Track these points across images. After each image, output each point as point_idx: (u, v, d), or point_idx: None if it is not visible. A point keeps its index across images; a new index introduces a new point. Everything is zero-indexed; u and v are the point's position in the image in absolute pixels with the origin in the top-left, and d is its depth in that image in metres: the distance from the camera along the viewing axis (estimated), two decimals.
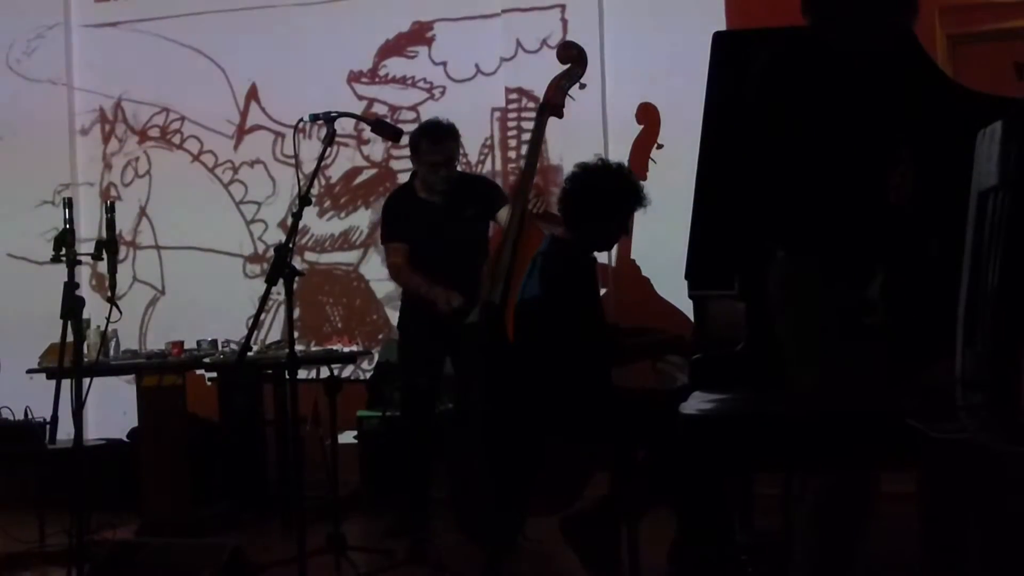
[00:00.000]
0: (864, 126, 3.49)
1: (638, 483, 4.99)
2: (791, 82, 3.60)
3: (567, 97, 5.97)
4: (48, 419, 6.06)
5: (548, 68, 7.57)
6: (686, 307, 6.91)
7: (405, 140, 6.11)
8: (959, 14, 7.11)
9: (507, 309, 5.56)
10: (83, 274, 7.77)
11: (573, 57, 5.99)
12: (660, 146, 7.30)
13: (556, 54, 6.08)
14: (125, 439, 7.54)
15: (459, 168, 6.51)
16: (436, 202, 6.26)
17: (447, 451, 5.75)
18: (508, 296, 5.59)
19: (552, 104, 5.94)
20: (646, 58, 7.50)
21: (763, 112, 3.62)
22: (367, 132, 7.59)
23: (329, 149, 5.43)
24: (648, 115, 7.34)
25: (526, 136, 7.68)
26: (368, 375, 7.71)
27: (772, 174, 3.61)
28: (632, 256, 7.22)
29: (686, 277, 4.86)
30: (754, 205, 3.70)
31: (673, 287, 7.18)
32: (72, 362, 5.73)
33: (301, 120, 5.40)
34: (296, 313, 6.11)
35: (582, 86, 6.01)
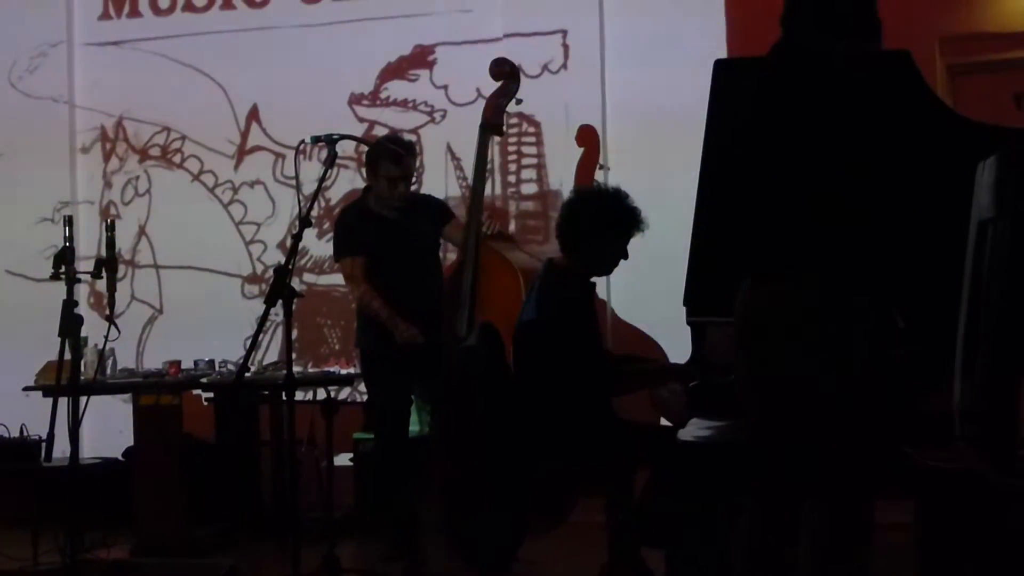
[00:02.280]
0: (852, 147, 3.52)
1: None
2: (784, 103, 3.63)
3: (505, 114, 5.94)
4: (44, 437, 6.08)
5: (550, 93, 7.67)
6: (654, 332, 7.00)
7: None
8: (959, 44, 7.14)
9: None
10: (81, 292, 7.75)
11: (506, 73, 5.95)
12: (602, 167, 7.39)
13: (488, 71, 6.01)
14: (121, 458, 7.52)
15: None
16: (391, 217, 6.26)
17: (443, 474, 5.73)
18: (474, 320, 5.62)
19: (492, 123, 5.90)
20: (647, 83, 7.52)
21: (758, 134, 3.65)
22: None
23: (330, 171, 5.44)
24: (587, 137, 7.44)
25: (526, 161, 7.72)
26: (365, 397, 7.70)
27: (769, 197, 3.63)
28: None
29: (684, 303, 4.86)
30: (752, 231, 3.71)
31: (638, 311, 7.23)
32: (69, 380, 5.73)
33: (302, 141, 5.42)
34: (294, 334, 6.11)
35: (518, 102, 5.97)
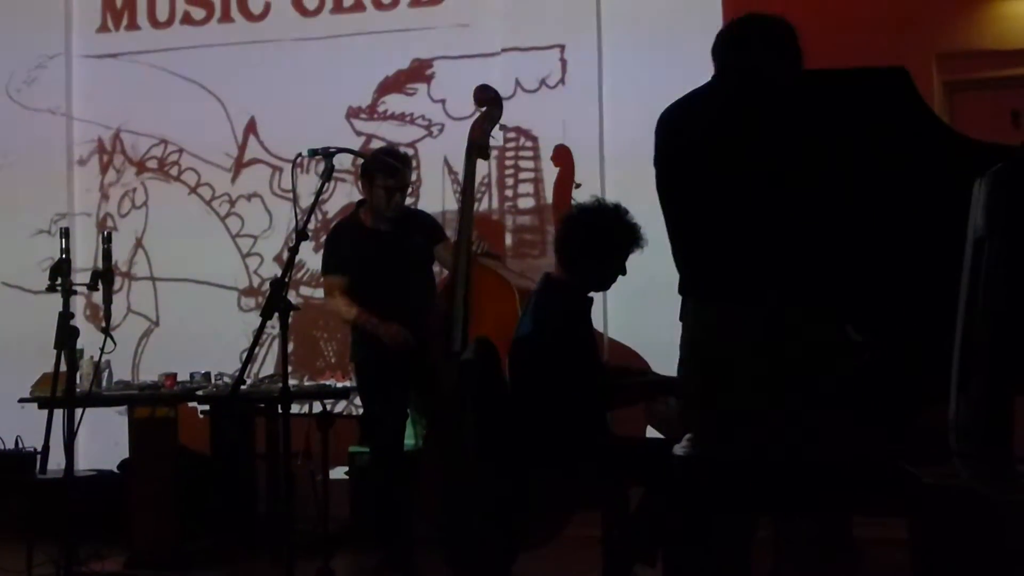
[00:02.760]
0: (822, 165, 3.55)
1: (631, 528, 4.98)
2: (774, 124, 3.65)
3: (491, 138, 6.11)
4: (39, 449, 6.06)
5: (547, 107, 7.68)
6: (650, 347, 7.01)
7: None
8: (956, 61, 7.15)
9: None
10: (78, 304, 7.76)
11: (489, 100, 6.13)
12: (578, 185, 7.43)
13: (473, 97, 6.18)
14: (116, 470, 7.52)
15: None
16: (385, 230, 6.28)
17: (438, 488, 5.73)
18: (467, 338, 5.65)
19: (478, 146, 6.05)
20: (645, 97, 7.51)
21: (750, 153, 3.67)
22: None
23: (327, 184, 5.44)
24: (562, 157, 7.58)
25: (523, 175, 7.73)
26: (360, 411, 7.69)
27: (761, 217, 3.64)
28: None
29: (680, 319, 4.85)
30: (746, 251, 3.72)
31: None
32: (65, 392, 5.72)
33: (299, 154, 5.42)
34: (290, 347, 6.11)
35: (502, 127, 6.25)
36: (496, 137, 6.23)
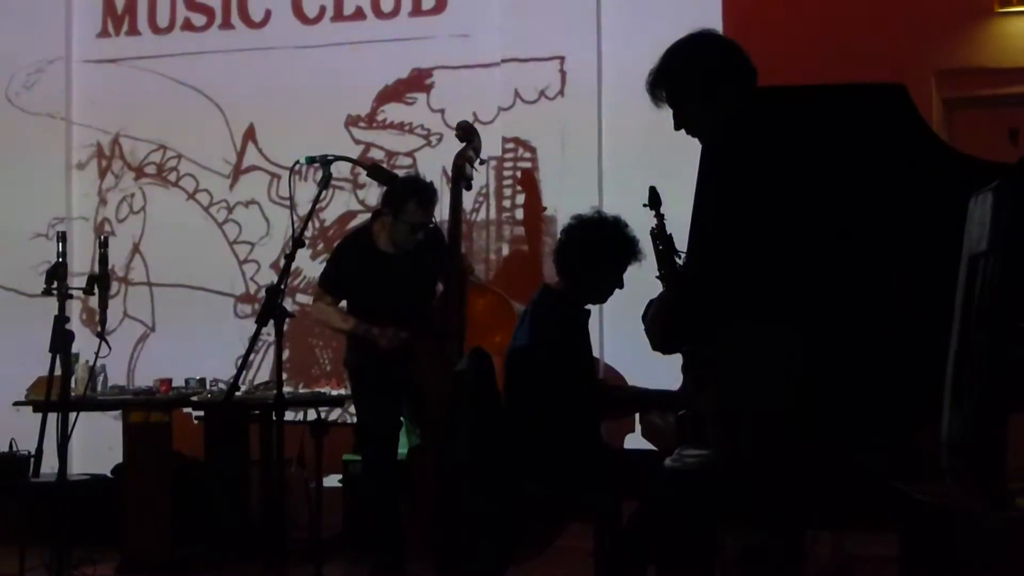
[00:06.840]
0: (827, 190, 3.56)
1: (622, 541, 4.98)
2: (772, 141, 3.66)
3: (473, 169, 6.37)
4: (33, 452, 6.07)
5: (546, 119, 7.68)
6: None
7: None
8: (955, 79, 7.16)
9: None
10: (74, 308, 7.76)
11: (468, 136, 6.37)
12: (544, 208, 7.55)
13: (455, 134, 6.44)
14: (109, 475, 7.51)
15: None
16: (396, 255, 6.26)
17: (431, 497, 5.73)
18: (462, 352, 5.68)
19: (465, 177, 6.27)
20: (644, 110, 7.50)
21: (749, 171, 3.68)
22: (363, 176, 7.61)
23: (324, 192, 5.45)
24: (527, 181, 7.72)
25: (522, 187, 7.74)
26: (354, 419, 7.69)
27: (757, 235, 3.64)
28: None
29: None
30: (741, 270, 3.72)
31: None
32: (59, 396, 5.72)
33: (297, 162, 5.42)
34: (285, 354, 6.11)
35: (482, 162, 6.51)
36: (478, 168, 6.47)
